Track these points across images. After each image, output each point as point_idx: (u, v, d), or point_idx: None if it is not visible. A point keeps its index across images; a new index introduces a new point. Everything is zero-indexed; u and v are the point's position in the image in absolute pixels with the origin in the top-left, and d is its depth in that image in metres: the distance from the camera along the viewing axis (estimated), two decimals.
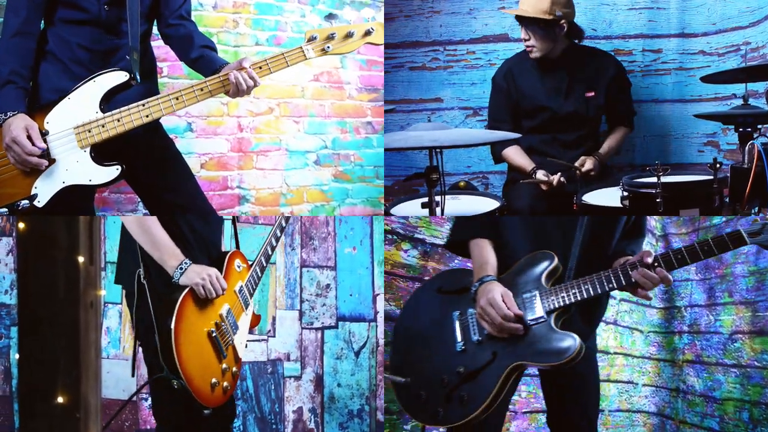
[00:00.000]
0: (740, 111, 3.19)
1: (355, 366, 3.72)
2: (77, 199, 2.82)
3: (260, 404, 3.73)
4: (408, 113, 4.53)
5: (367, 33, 2.83)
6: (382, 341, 3.70)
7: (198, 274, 2.44)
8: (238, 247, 2.84)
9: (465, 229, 2.77)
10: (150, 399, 3.38)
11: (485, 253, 2.63)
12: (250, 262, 2.76)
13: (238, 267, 2.67)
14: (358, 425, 3.72)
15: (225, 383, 2.51)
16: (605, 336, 4.78)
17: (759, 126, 3.14)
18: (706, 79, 3.37)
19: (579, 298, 2.43)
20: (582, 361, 2.50)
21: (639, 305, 5.16)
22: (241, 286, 2.67)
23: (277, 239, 2.87)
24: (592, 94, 3.97)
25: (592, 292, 2.42)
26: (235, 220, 2.99)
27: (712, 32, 4.25)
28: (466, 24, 4.44)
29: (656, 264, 2.36)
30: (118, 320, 3.72)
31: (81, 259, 2.68)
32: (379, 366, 3.70)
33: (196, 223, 2.66)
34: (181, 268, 2.43)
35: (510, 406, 4.00)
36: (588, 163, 3.81)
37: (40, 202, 2.67)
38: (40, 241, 2.65)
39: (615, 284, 2.41)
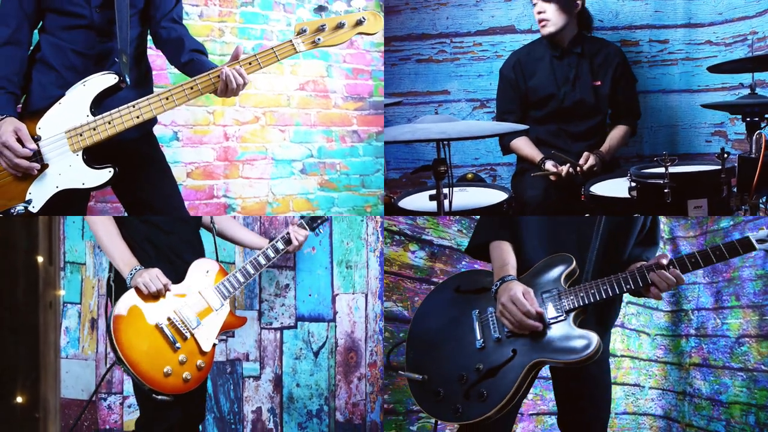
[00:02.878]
0: (747, 101, 3.19)
1: (314, 366, 3.70)
2: (72, 204, 2.81)
3: (219, 404, 3.72)
4: (415, 105, 4.53)
5: (359, 23, 2.76)
6: (341, 341, 3.69)
7: (140, 274, 2.65)
8: (216, 251, 3.00)
9: (485, 232, 2.77)
10: (109, 398, 3.64)
11: (505, 254, 2.64)
12: (225, 267, 2.90)
13: (207, 272, 2.83)
14: (317, 425, 3.70)
15: (185, 373, 2.67)
16: (612, 339, 4.76)
17: (766, 115, 3.13)
18: (713, 69, 3.37)
19: (597, 298, 2.45)
20: (595, 364, 2.50)
21: (646, 308, 5.15)
22: (209, 288, 2.81)
23: (277, 251, 2.96)
24: (599, 83, 3.98)
25: (610, 293, 2.45)
26: (213, 229, 3.03)
27: (718, 22, 4.26)
28: (473, 16, 4.45)
29: (671, 266, 2.41)
30: (77, 320, 3.73)
31: (40, 259, 2.67)
32: (338, 366, 3.69)
33: (157, 237, 2.82)
34: (131, 274, 2.66)
35: None
36: (591, 160, 3.81)
37: (35, 207, 2.67)
38: None
39: (632, 285, 2.44)
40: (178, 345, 2.66)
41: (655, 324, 5.24)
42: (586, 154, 3.82)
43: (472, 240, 2.84)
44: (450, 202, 3.10)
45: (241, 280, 2.86)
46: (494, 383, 2.46)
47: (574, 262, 2.54)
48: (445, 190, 3.06)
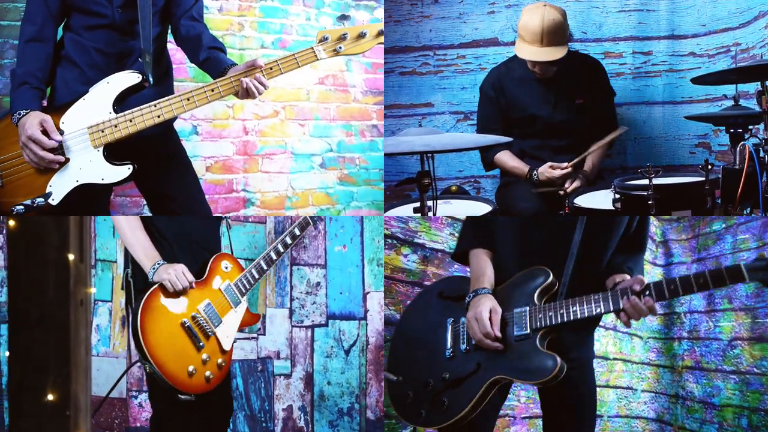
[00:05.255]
0: (731, 112, 3.18)
1: (345, 364, 3.72)
2: (92, 199, 2.88)
3: (250, 402, 3.74)
4: (399, 118, 4.52)
5: (381, 33, 2.87)
6: (372, 339, 3.70)
7: (165, 270, 2.64)
8: (231, 248, 2.99)
9: (465, 239, 2.78)
10: (140, 396, 3.63)
11: (483, 264, 2.64)
12: (242, 263, 2.90)
13: (226, 267, 2.84)
14: (347, 423, 3.71)
15: (207, 372, 2.68)
16: (604, 341, 4.77)
17: (750, 127, 3.14)
18: (696, 80, 3.36)
19: (566, 320, 2.41)
20: (576, 369, 2.52)
21: None
22: (228, 285, 2.83)
23: (286, 246, 3.00)
24: (582, 101, 3.91)
25: (579, 315, 2.39)
26: (228, 224, 3.07)
27: (702, 34, 4.25)
28: (456, 28, 4.44)
29: (647, 292, 2.31)
30: (108, 318, 3.74)
31: (71, 256, 2.70)
32: (369, 364, 3.70)
33: (181, 228, 2.83)
34: (154, 268, 2.65)
35: (510, 411, 4.00)
36: (575, 183, 3.74)
37: (55, 200, 2.73)
38: (30, 238, 2.67)
39: (603, 309, 2.38)
40: (202, 344, 2.68)
41: (648, 327, 5.25)
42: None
43: (457, 247, 2.84)
44: (434, 215, 3.10)
45: (256, 276, 2.89)
46: (456, 394, 2.50)
47: (551, 276, 2.49)
48: (430, 203, 3.06)
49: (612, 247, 2.59)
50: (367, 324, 3.73)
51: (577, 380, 2.65)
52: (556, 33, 3.70)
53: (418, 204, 3.03)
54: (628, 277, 2.51)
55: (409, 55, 4.50)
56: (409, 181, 3.07)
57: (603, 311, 2.38)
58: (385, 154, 4.12)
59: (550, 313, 2.43)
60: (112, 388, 3.32)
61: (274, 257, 2.96)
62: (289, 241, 3.00)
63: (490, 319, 2.47)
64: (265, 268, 2.93)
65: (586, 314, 2.38)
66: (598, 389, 4.57)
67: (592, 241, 2.53)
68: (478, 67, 4.43)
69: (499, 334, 2.45)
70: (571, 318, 2.40)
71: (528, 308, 2.47)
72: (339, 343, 3.74)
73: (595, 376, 2.78)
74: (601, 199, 3.48)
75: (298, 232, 3.04)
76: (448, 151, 3.25)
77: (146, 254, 2.67)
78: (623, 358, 4.99)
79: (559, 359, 2.36)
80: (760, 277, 2.19)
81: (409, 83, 4.52)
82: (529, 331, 2.44)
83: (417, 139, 3.01)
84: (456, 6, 4.42)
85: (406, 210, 3.55)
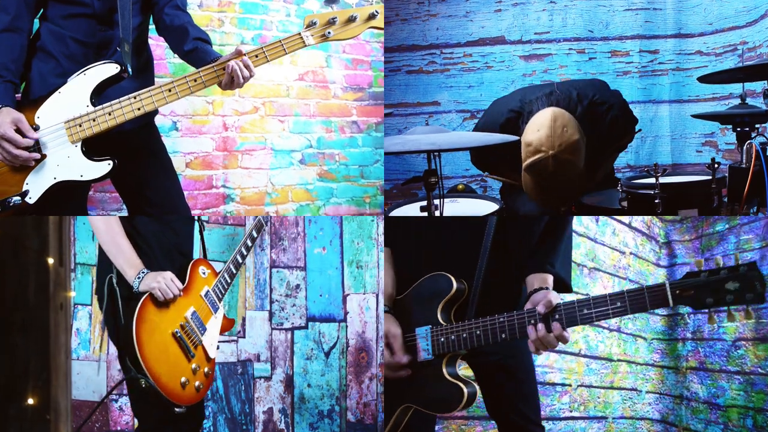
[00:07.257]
0: (738, 111, 3.18)
1: (325, 366, 3.70)
2: (70, 196, 2.73)
3: (230, 405, 3.71)
4: (405, 117, 4.53)
5: (371, 16, 2.68)
6: (352, 341, 3.69)
7: (153, 279, 2.49)
8: (204, 251, 2.89)
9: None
10: (120, 399, 3.58)
11: (385, 270, 2.48)
12: (216, 268, 2.80)
13: (203, 273, 2.72)
14: (328, 425, 3.70)
15: (197, 382, 2.56)
16: (609, 343, 4.76)
17: (757, 125, 3.13)
18: (703, 79, 3.36)
19: (469, 346, 2.24)
20: (513, 359, 2.44)
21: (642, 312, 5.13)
22: (208, 291, 2.71)
23: (248, 248, 2.90)
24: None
25: (483, 341, 2.21)
26: (202, 224, 2.95)
27: (708, 32, 4.26)
28: (463, 27, 4.45)
29: (558, 317, 2.10)
30: (87, 322, 3.70)
31: (51, 260, 2.65)
32: (349, 366, 3.69)
33: (164, 234, 2.70)
34: (138, 277, 2.49)
35: None
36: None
37: (32, 198, 2.58)
38: (10, 242, 2.62)
39: (508, 336, 2.18)
40: (192, 354, 2.56)
41: (652, 328, 5.23)
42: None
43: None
44: (441, 213, 3.09)
45: (229, 280, 2.79)
46: (383, 419, 2.43)
47: (455, 286, 2.30)
48: (436, 201, 3.04)
49: (534, 242, 2.41)
50: (347, 326, 3.71)
51: (514, 367, 2.53)
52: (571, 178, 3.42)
53: (424, 203, 3.02)
54: (550, 279, 2.30)
55: (415, 54, 4.51)
56: (416, 180, 3.06)
57: (508, 338, 2.19)
58: (393, 153, 4.10)
59: (453, 337, 2.25)
60: (104, 398, 3.28)
61: (240, 260, 2.86)
62: (249, 243, 2.91)
63: (390, 345, 2.33)
64: (234, 271, 2.82)
65: (491, 341, 2.20)
66: (602, 390, 4.60)
67: (508, 243, 2.37)
68: (484, 65, 4.44)
69: (404, 361, 2.30)
70: (475, 344, 2.22)
71: (430, 328, 2.30)
72: (319, 345, 3.72)
73: (531, 353, 2.53)
74: (608, 199, 3.48)
75: (255, 235, 2.95)
76: (455, 150, 3.23)
77: (129, 263, 2.51)
78: (627, 360, 4.98)
79: (465, 389, 2.23)
80: (690, 301, 1.92)
81: (416, 82, 4.53)
82: (432, 356, 2.28)
83: (423, 137, 3.00)
84: (462, 4, 4.44)
85: (413, 209, 3.54)
